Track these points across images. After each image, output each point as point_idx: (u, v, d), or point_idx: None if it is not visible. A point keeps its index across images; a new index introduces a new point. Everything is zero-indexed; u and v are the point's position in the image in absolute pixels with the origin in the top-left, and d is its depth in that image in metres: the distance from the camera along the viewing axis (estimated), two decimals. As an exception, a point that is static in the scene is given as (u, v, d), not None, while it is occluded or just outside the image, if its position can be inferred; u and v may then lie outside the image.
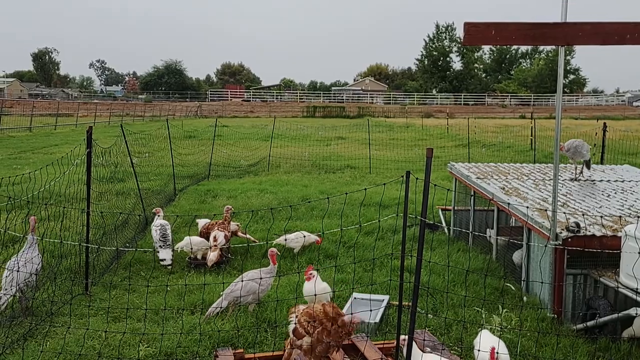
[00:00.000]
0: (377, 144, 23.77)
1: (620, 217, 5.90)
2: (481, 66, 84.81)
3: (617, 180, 8.04)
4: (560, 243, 5.53)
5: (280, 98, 77.76)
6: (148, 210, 9.04)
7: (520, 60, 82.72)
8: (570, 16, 5.46)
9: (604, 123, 15.62)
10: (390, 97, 77.56)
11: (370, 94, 79.05)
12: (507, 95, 71.81)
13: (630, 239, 5.04)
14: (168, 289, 6.25)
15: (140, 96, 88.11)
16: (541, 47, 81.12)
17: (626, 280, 5.10)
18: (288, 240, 7.54)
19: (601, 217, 5.95)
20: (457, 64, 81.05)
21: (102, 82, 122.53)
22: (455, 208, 8.97)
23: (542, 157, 20.61)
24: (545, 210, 6.33)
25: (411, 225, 8.97)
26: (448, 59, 78.67)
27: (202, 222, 8.03)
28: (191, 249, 7.16)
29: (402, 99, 77.76)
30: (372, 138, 26.33)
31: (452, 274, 6.82)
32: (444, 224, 9.32)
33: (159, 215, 7.62)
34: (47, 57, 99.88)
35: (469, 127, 26.77)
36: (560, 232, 5.59)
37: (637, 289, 4.95)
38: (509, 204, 6.63)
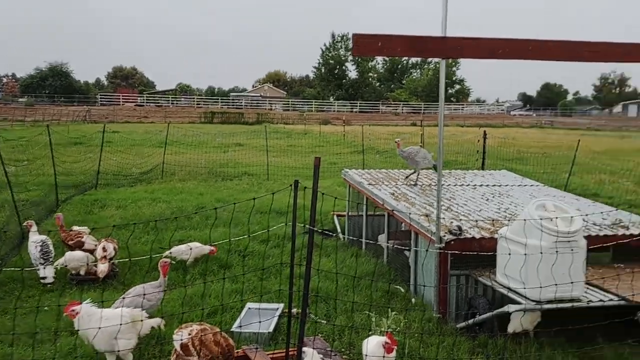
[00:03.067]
0: (275, 150, 23.79)
1: (493, 220, 6.29)
2: (375, 75, 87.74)
3: (494, 185, 8.61)
4: (444, 246, 5.81)
5: (176, 103, 75.61)
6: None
7: (411, 70, 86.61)
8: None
9: (484, 131, 16.68)
10: (289, 104, 78.12)
11: (269, 101, 79.08)
12: (400, 104, 74.85)
13: (502, 240, 5.40)
14: (46, 308, 5.81)
15: (20, 99, 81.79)
16: (429, 59, 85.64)
17: (501, 278, 5.46)
18: (174, 252, 7.29)
19: (476, 221, 6.33)
20: (352, 72, 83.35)
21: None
22: (350, 214, 9.16)
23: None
24: (428, 215, 6.64)
25: (306, 232, 9.04)
26: (344, 67, 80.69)
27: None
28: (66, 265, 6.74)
29: (300, 105, 78.55)
30: (270, 145, 26.29)
31: (344, 279, 6.93)
32: (338, 230, 9.48)
33: (31, 230, 7.07)
34: None
35: (364, 134, 27.57)
36: (444, 236, 5.87)
37: (509, 286, 5.31)
38: (392, 210, 6.87)
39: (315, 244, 8.55)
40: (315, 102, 74.89)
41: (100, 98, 71.72)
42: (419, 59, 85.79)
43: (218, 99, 75.24)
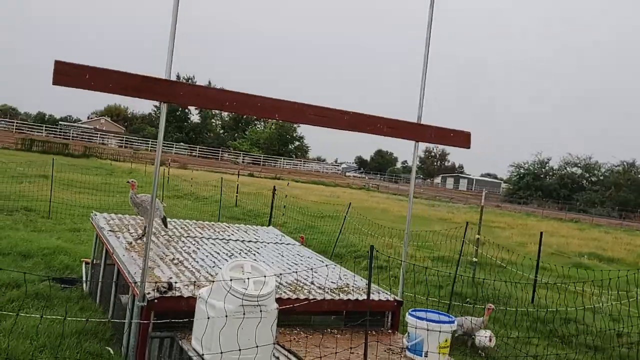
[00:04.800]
0: (83, 186, 21.96)
1: (193, 282, 5.92)
2: (219, 122, 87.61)
3: (250, 241, 8.40)
4: (145, 304, 5.30)
5: (-7, 126, 68.08)
6: None
7: (256, 122, 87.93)
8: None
9: (274, 186, 16.88)
10: (128, 140, 74.35)
11: (100, 134, 74.57)
12: (240, 153, 75.11)
13: (200, 301, 5.03)
14: None
15: None
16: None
17: (194, 343, 5.05)
18: None
19: (196, 279, 5.94)
20: (194, 116, 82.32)
21: None
22: (94, 262, 8.31)
23: (240, 214, 21.48)
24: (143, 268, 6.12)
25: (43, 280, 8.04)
26: (186, 110, 79.40)
27: None
28: None
29: (138, 143, 75.23)
30: (83, 180, 24.27)
31: (49, 337, 6.05)
32: (83, 279, 8.55)
33: None
34: None
35: (190, 180, 26.69)
36: (148, 293, 5.36)
37: (202, 354, 4.91)
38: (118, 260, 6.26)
39: (46, 295, 7.59)
40: (152, 141, 72.16)
41: None
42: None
43: (42, 127, 68.99)
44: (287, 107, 5.91)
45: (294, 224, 19.19)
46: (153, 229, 7.77)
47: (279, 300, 5.37)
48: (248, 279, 4.92)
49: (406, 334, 5.84)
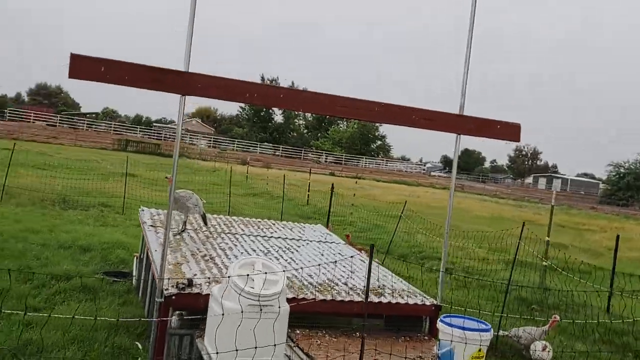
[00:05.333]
0: (165, 184, 22.85)
1: (214, 279, 5.77)
2: (302, 122, 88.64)
3: (293, 239, 8.20)
4: (162, 300, 5.22)
5: (95, 127, 72.93)
6: None
7: (338, 121, 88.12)
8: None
9: (332, 184, 16.58)
10: (216, 141, 77.17)
11: (192, 135, 77.83)
12: (322, 153, 75.56)
13: (212, 299, 4.88)
14: None
15: None
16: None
17: (207, 344, 4.89)
18: None
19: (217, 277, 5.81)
20: (278, 116, 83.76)
21: None
22: (140, 256, 8.46)
23: (310, 213, 21.39)
24: (180, 263, 6.08)
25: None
26: (270, 111, 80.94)
27: None
28: None
29: (226, 144, 77.74)
30: (163, 178, 25.31)
31: (81, 329, 6.15)
32: (133, 273, 8.73)
33: None
34: None
35: (267, 179, 27.10)
36: (166, 289, 5.29)
37: (209, 351, 4.75)
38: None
39: (93, 288, 7.81)
40: (238, 141, 74.34)
41: (9, 113, 67.81)
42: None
43: (137, 128, 73.07)
44: (312, 99, 5.64)
45: (361, 223, 18.85)
46: (194, 225, 7.78)
47: (300, 300, 5.13)
48: (250, 278, 4.70)
49: (438, 342, 5.38)
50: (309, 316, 5.74)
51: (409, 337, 5.96)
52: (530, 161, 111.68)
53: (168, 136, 74.94)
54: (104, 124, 78.15)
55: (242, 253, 6.94)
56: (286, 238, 8.16)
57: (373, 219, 19.14)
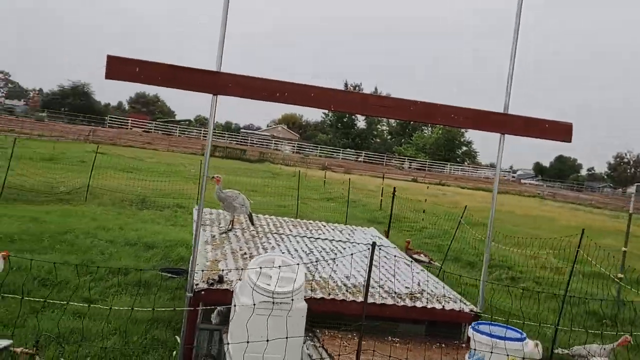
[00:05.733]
0: (244, 187, 23.60)
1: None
2: (386, 128, 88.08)
3: (340, 241, 8.13)
4: (192, 295, 5.35)
5: (187, 134, 76.50)
6: None
7: (423, 127, 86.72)
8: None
9: (394, 188, 16.22)
10: (300, 147, 78.55)
11: (277, 141, 79.70)
12: (405, 159, 74.68)
13: (235, 295, 4.93)
14: None
15: (40, 114, 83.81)
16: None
17: (228, 338, 4.95)
18: None
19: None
20: (361, 122, 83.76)
21: (2, 94, 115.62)
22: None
23: (381, 218, 21.14)
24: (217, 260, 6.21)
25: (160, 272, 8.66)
26: (353, 117, 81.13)
27: None
28: None
29: (309, 150, 78.87)
30: (244, 181, 26.18)
31: (123, 321, 6.43)
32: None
33: None
34: None
35: (348, 184, 27.12)
36: (197, 284, 5.41)
37: (227, 346, 4.80)
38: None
39: (148, 283, 8.16)
40: (321, 147, 75.13)
41: (109, 120, 72.75)
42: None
43: (225, 134, 75.86)
44: (342, 97, 5.59)
45: (433, 229, 18.39)
46: (242, 224, 7.92)
47: (330, 301, 5.10)
48: (267, 275, 4.70)
49: (470, 350, 5.11)
50: (345, 318, 5.66)
51: (445, 344, 5.72)
52: (633, 169, 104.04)
53: (254, 142, 77.17)
54: (195, 131, 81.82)
55: (283, 252, 6.97)
56: (332, 240, 8.11)
57: (445, 226, 18.60)
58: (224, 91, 5.41)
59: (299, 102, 5.60)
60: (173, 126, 77.93)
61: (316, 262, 6.81)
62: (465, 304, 6.08)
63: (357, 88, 77.32)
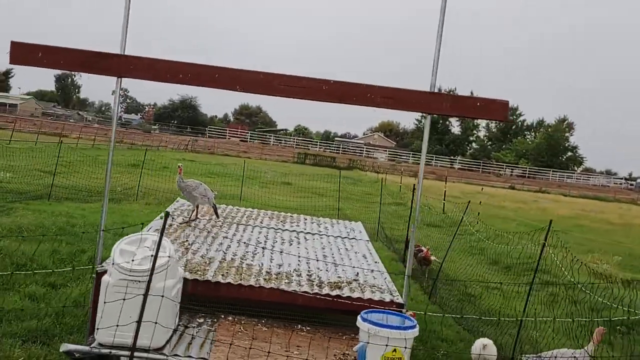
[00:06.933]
0: (316, 192, 23.90)
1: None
2: (485, 134, 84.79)
3: (308, 232, 7.87)
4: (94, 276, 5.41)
5: (283, 142, 78.70)
6: None
7: (526, 132, 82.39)
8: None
9: (413, 185, 15.33)
10: (395, 154, 77.91)
11: (370, 148, 79.58)
12: (503, 165, 71.27)
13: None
14: None
15: (153, 127, 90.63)
16: (546, 122, 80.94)
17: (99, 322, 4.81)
18: None
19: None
20: (456, 128, 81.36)
21: (122, 109, 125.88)
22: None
23: (438, 221, 20.25)
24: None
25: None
26: (447, 122, 78.92)
27: None
28: None
29: (406, 157, 77.80)
30: (321, 187, 26.46)
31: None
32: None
33: None
34: (69, 80, 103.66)
35: (414, 188, 26.45)
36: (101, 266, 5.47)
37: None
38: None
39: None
40: (413, 154, 73.86)
41: (209, 131, 76.57)
42: (534, 121, 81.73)
43: (316, 142, 77.01)
44: (249, 78, 5.40)
45: (483, 233, 17.30)
46: (210, 214, 7.93)
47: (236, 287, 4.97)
48: (133, 253, 4.65)
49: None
50: (268, 304, 5.45)
51: (354, 334, 5.32)
52: None
53: (346, 150, 77.54)
54: (292, 139, 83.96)
55: (232, 242, 6.87)
56: (302, 232, 7.86)
57: (505, 231, 17.45)
58: (127, 74, 5.43)
59: (203, 84, 5.49)
60: (270, 135, 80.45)
61: (263, 249, 6.64)
62: (394, 295, 5.61)
63: (451, 92, 75.03)
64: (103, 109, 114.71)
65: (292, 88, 5.43)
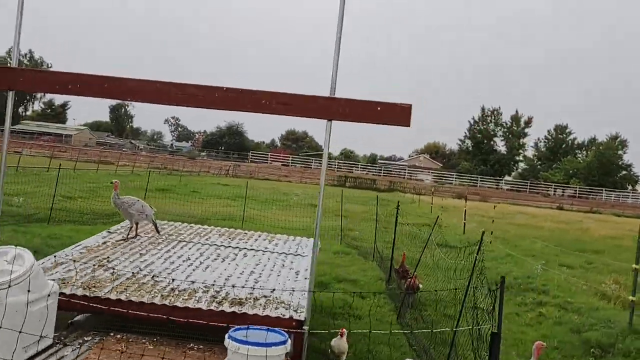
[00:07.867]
0: (334, 214, 23.70)
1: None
2: (535, 154, 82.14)
3: (250, 249, 7.62)
4: None
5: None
6: None
7: (577, 150, 79.32)
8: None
9: (398, 202, 14.72)
10: (439, 175, 76.67)
11: (414, 170, 78.58)
12: (552, 185, 68.63)
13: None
14: None
15: (202, 153, 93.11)
16: (598, 140, 77.69)
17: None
18: None
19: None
20: (501, 148, 79.11)
21: (173, 137, 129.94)
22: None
23: (456, 241, 19.50)
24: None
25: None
26: (492, 142, 76.98)
27: None
28: None
29: (452, 178, 76.33)
30: (353, 210, 26.18)
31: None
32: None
33: None
34: (122, 110, 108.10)
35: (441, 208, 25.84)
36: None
37: None
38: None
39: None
40: (457, 175, 72.32)
41: (251, 156, 77.64)
42: (585, 139, 78.66)
43: (357, 165, 76.71)
44: (136, 87, 5.29)
45: (497, 253, 16.52)
46: (149, 233, 7.82)
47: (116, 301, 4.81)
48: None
49: None
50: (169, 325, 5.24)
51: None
52: None
53: (387, 172, 76.86)
54: (335, 163, 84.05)
55: (158, 259, 6.72)
56: (244, 248, 7.63)
57: (512, 250, 16.63)
58: (15, 86, 5.42)
59: (92, 94, 5.41)
60: (313, 160, 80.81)
61: (189, 267, 6.45)
62: (297, 312, 5.27)
63: (495, 112, 73.39)
64: (155, 137, 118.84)
65: (187, 97, 5.29)
